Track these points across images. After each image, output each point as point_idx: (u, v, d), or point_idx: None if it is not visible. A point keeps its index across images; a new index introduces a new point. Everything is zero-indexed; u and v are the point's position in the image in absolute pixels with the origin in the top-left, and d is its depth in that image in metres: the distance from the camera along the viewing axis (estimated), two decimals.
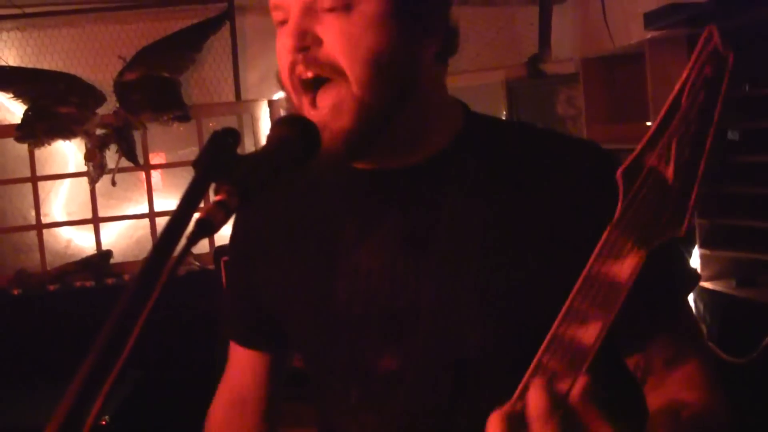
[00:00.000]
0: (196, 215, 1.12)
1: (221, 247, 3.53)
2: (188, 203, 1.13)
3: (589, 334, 1.21)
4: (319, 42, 1.47)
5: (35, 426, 3.61)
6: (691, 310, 1.65)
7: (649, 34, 3.47)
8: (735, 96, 3.03)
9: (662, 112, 1.13)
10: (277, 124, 1.37)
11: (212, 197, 1.18)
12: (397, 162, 1.60)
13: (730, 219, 3.13)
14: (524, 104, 5.00)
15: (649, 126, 3.29)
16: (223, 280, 3.46)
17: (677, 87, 1.11)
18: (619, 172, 1.21)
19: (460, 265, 1.53)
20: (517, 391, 1.26)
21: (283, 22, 1.53)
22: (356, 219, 1.63)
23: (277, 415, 1.96)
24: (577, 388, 1.20)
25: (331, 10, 1.46)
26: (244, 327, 1.89)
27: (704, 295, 3.22)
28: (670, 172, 1.12)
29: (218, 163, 1.19)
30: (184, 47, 5.11)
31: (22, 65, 5.17)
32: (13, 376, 4.60)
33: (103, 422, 3.64)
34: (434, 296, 1.55)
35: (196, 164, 1.18)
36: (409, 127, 1.56)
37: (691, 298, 3.19)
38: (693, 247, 3.21)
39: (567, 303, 1.24)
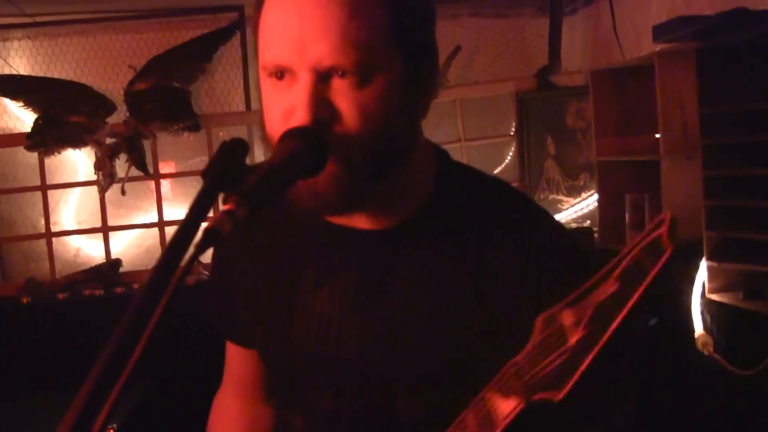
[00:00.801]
0: (205, 224, 1.13)
1: None
2: (197, 213, 1.14)
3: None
4: (337, 116, 1.40)
5: None
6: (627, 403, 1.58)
7: (658, 47, 3.47)
8: (739, 110, 3.03)
9: (595, 277, 1.14)
10: (285, 136, 1.37)
11: (221, 207, 1.18)
12: (367, 224, 1.59)
13: (737, 232, 3.13)
14: (534, 116, 5.01)
15: (657, 138, 3.28)
16: None
17: (615, 259, 1.11)
18: (539, 318, 1.20)
19: (402, 327, 1.56)
20: None
21: (279, 75, 1.44)
22: (318, 264, 1.65)
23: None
24: None
25: (345, 75, 1.38)
26: (233, 327, 1.91)
27: (711, 307, 3.22)
28: (574, 337, 1.12)
29: (227, 173, 1.20)
30: (195, 57, 5.12)
31: (33, 74, 5.20)
32: (22, 384, 4.60)
33: (111, 430, 3.64)
34: (370, 352, 1.58)
35: (205, 174, 1.20)
36: (392, 192, 1.55)
37: (698, 309, 3.20)
38: (701, 259, 3.21)
39: (461, 415, 1.32)
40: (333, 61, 1.36)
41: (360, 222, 1.59)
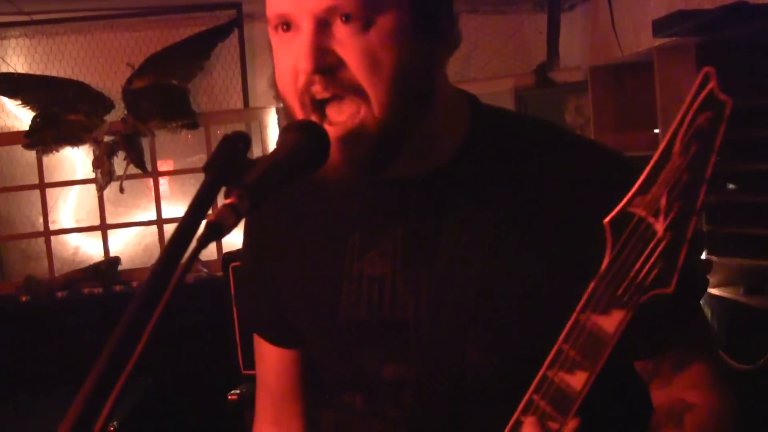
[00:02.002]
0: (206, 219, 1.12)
1: (229, 253, 3.53)
2: (198, 206, 1.13)
3: (576, 381, 1.22)
4: (341, 63, 1.37)
5: None
6: (702, 313, 1.61)
7: (657, 42, 3.46)
8: (740, 105, 3.03)
9: (653, 160, 1.08)
10: (287, 129, 1.36)
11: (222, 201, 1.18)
12: (404, 172, 1.54)
13: (737, 227, 3.13)
14: (533, 112, 4.99)
15: (657, 134, 3.27)
16: (232, 286, 3.46)
17: (669, 133, 1.06)
18: (606, 221, 1.16)
19: (459, 277, 1.51)
20: (508, 427, 1.30)
21: (284, 27, 1.41)
22: (361, 228, 1.61)
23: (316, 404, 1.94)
24: (567, 429, 1.22)
25: (347, 20, 1.35)
26: (268, 325, 1.85)
27: (712, 302, 3.21)
28: (659, 225, 1.07)
29: (229, 166, 1.19)
30: (193, 55, 5.13)
31: (31, 72, 5.20)
32: (21, 383, 4.60)
33: (111, 428, 3.64)
34: (431, 309, 1.53)
35: (206, 168, 1.18)
36: (420, 137, 1.49)
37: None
38: (701, 254, 3.21)
39: (555, 347, 1.24)
40: (331, 1, 1.34)
41: (396, 172, 1.51)
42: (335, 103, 1.40)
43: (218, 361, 3.89)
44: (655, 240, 1.09)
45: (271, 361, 1.88)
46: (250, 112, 5.26)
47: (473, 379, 1.51)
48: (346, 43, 1.36)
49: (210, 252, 4.36)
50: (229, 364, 3.58)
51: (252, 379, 3.43)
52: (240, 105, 5.33)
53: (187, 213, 1.12)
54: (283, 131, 1.37)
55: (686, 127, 1.02)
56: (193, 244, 1.09)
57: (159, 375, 4.13)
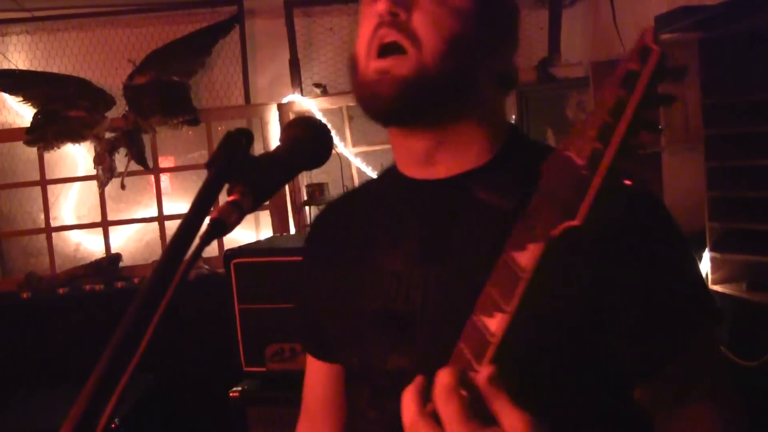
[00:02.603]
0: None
1: (231, 250, 3.52)
2: (202, 203, 1.13)
3: (494, 324, 1.17)
4: (410, 11, 1.52)
5: (46, 428, 3.61)
6: (713, 344, 1.59)
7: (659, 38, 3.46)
8: (742, 100, 3.02)
9: (593, 108, 1.10)
10: (290, 125, 1.37)
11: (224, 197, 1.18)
12: (436, 172, 1.62)
13: (740, 223, 3.12)
14: (534, 108, 4.99)
15: (661, 129, 3.28)
16: (234, 283, 3.46)
17: (607, 83, 1.07)
18: (542, 167, 1.16)
19: (464, 276, 1.51)
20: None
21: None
22: (391, 224, 1.66)
23: None
24: (481, 375, 1.16)
25: None
26: (313, 339, 1.88)
27: (715, 298, 3.21)
28: (581, 161, 1.08)
29: (232, 163, 1.18)
30: (194, 51, 5.12)
31: (32, 69, 5.19)
32: (23, 379, 4.60)
33: (113, 426, 3.64)
34: (440, 303, 1.55)
35: (210, 165, 1.18)
36: (456, 140, 1.59)
37: None
38: (703, 250, 3.21)
39: (483, 291, 1.22)
40: None
41: (431, 172, 1.63)
42: (395, 55, 1.53)
43: (220, 358, 3.89)
44: (571, 176, 1.08)
45: (312, 374, 1.94)
46: (251, 108, 5.25)
47: None
48: (420, 3, 1.53)
49: (211, 249, 4.36)
50: (230, 361, 3.58)
51: (253, 376, 3.46)
52: (241, 101, 5.33)
53: (190, 210, 1.12)
54: (286, 128, 1.37)
55: (618, 74, 1.03)
56: (197, 241, 1.09)
57: (160, 372, 4.11)
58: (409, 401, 1.22)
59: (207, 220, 1.12)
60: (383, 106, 1.54)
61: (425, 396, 1.21)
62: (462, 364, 1.21)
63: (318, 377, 1.92)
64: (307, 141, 1.33)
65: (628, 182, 1.05)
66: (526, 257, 1.15)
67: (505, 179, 1.55)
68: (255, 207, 1.18)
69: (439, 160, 1.61)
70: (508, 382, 1.17)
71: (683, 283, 1.53)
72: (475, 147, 1.61)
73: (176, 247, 1.07)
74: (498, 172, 1.59)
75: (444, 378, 1.18)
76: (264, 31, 5.30)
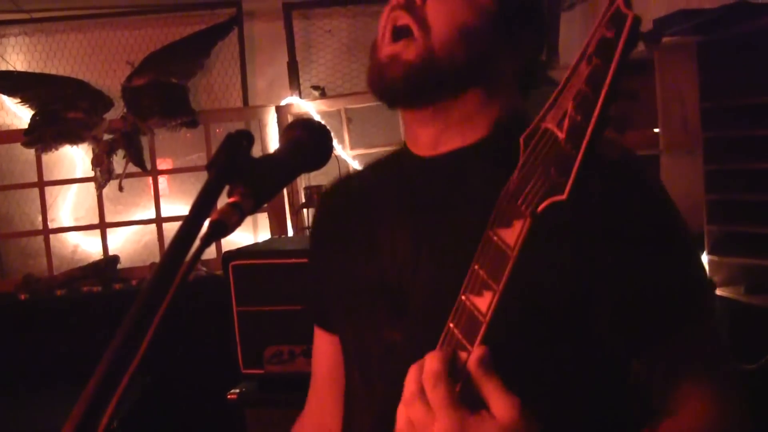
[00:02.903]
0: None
1: (230, 252, 3.51)
2: (202, 205, 1.13)
3: (483, 303, 1.16)
4: (424, 1, 1.57)
5: (44, 430, 3.60)
6: (709, 321, 1.55)
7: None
8: (741, 104, 3.03)
9: (566, 74, 1.09)
10: (290, 127, 1.37)
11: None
12: (436, 149, 1.64)
13: (738, 225, 3.12)
14: (532, 111, 4.97)
15: (657, 133, 3.27)
16: (232, 285, 3.46)
17: (581, 49, 1.06)
18: (521, 138, 1.14)
19: (459, 253, 1.51)
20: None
21: None
22: (391, 200, 1.69)
23: None
24: (471, 358, 1.16)
25: None
26: (317, 308, 1.91)
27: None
28: (562, 134, 1.06)
29: (233, 165, 1.19)
30: (193, 53, 5.12)
31: (30, 70, 5.20)
32: (20, 380, 4.59)
33: (112, 426, 3.64)
34: (430, 280, 1.56)
35: (210, 166, 1.18)
36: (462, 126, 1.61)
37: None
38: (702, 253, 3.21)
39: (470, 269, 1.21)
40: None
41: (425, 149, 1.65)
42: (407, 39, 1.57)
43: (218, 360, 3.88)
44: (554, 150, 1.07)
45: (318, 345, 1.95)
46: (249, 110, 5.25)
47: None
48: None
49: (209, 251, 4.34)
50: (229, 363, 3.57)
51: (251, 378, 3.46)
52: (239, 103, 5.33)
53: (191, 211, 1.12)
54: (286, 129, 1.38)
55: (592, 42, 1.02)
56: (197, 242, 1.09)
57: (158, 374, 4.12)
58: (411, 378, 1.21)
59: (207, 222, 1.12)
60: (388, 87, 1.59)
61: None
62: (452, 344, 1.21)
63: (323, 348, 1.93)
64: (308, 143, 1.34)
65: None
66: (512, 234, 1.13)
67: (495, 156, 1.55)
68: (255, 209, 1.18)
69: (444, 142, 1.63)
70: (497, 360, 1.17)
71: (671, 257, 1.51)
72: (478, 132, 1.62)
73: (177, 249, 1.07)
74: (490, 149, 1.60)
75: (432, 363, 1.18)
76: (263, 34, 5.30)
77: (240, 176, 1.19)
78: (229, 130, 1.28)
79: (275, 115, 5.18)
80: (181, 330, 3.92)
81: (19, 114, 5.20)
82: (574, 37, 5.23)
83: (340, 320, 1.80)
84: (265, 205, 4.87)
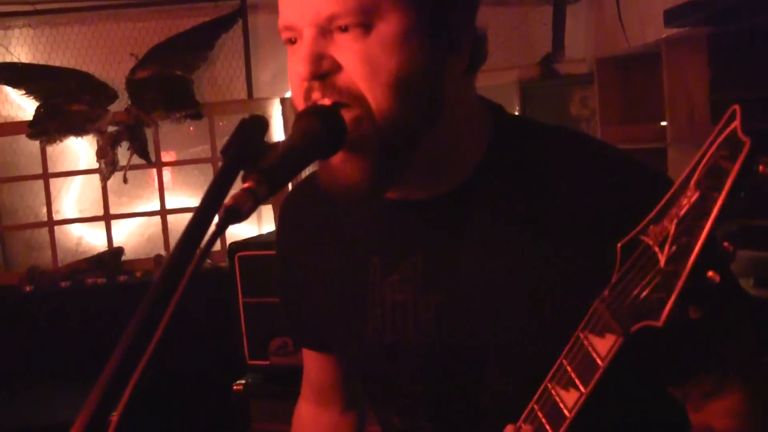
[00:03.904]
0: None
1: (236, 243, 3.51)
2: (217, 191, 1.12)
3: (570, 399, 1.20)
4: (337, 67, 1.37)
5: (49, 422, 3.60)
6: (747, 333, 1.50)
7: (665, 34, 3.45)
8: (751, 96, 3.01)
9: (671, 190, 1.06)
10: (303, 114, 1.35)
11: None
12: (422, 192, 1.53)
13: (748, 219, 3.11)
14: (537, 105, 4.98)
15: (664, 126, 3.26)
16: (238, 276, 3.45)
17: (690, 166, 1.03)
18: (619, 245, 1.13)
19: (479, 301, 1.49)
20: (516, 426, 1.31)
21: (293, 41, 1.43)
22: (382, 251, 1.59)
23: (361, 402, 1.96)
24: None
25: (347, 29, 1.35)
26: (306, 333, 1.87)
27: None
28: (662, 256, 1.05)
29: (247, 150, 1.17)
30: (197, 45, 5.11)
31: (34, 62, 5.19)
32: (25, 372, 4.59)
33: (115, 418, 3.63)
34: (457, 330, 1.52)
35: (224, 152, 1.16)
36: (435, 153, 1.47)
37: None
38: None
39: (558, 360, 1.23)
40: (330, 9, 1.34)
41: (414, 192, 1.52)
42: (342, 111, 1.37)
43: (223, 351, 3.88)
44: (654, 271, 1.06)
45: (311, 359, 1.93)
46: (253, 103, 5.24)
47: (490, 399, 1.51)
48: (345, 49, 1.36)
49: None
50: (234, 354, 3.57)
51: (257, 370, 3.45)
52: (244, 96, 5.32)
53: (205, 197, 1.10)
54: (299, 116, 1.36)
55: (704, 162, 1.00)
56: (212, 229, 1.08)
57: (163, 365, 4.11)
58: None
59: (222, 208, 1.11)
60: (358, 195, 1.43)
61: None
62: (535, 424, 1.27)
63: (318, 363, 1.90)
64: (321, 130, 1.32)
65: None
66: (604, 345, 1.16)
67: (500, 191, 1.50)
68: (270, 195, 1.17)
69: (418, 179, 1.50)
70: None
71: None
72: (457, 154, 1.51)
73: (191, 235, 1.06)
74: (490, 182, 1.50)
75: None
76: (267, 26, 5.29)
77: (254, 162, 1.17)
78: (234, 122, 1.27)
79: (280, 107, 5.17)
80: (186, 322, 3.92)
81: (23, 106, 5.19)
82: (579, 29, 5.22)
83: (360, 379, 1.77)
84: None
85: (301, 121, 1.34)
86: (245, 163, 1.17)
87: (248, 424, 3.49)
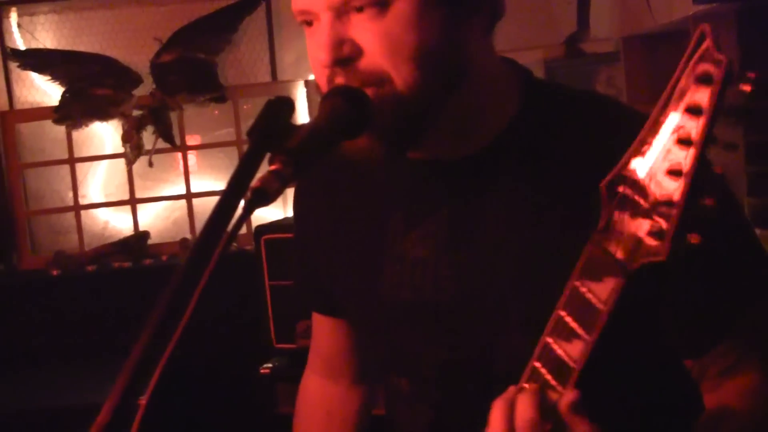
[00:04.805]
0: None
1: (261, 226, 3.51)
2: (243, 173, 1.11)
3: (574, 351, 1.19)
4: (358, 51, 1.37)
5: (77, 404, 3.61)
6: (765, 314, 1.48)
7: (692, 11, 3.41)
8: None
9: (650, 120, 1.04)
10: (329, 94, 1.35)
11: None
12: (449, 153, 1.52)
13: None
14: (559, 79, 4.95)
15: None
16: (264, 259, 3.45)
17: (666, 92, 1.01)
18: (602, 184, 1.12)
19: (499, 261, 1.48)
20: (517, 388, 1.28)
21: (309, 23, 1.44)
22: (404, 209, 1.59)
23: (372, 372, 1.94)
24: (563, 401, 1.19)
25: (362, 9, 1.35)
26: (318, 296, 1.85)
27: None
28: (653, 186, 1.02)
29: (273, 132, 1.16)
30: (220, 28, 5.09)
31: (59, 48, 5.18)
32: (52, 355, 4.62)
33: (142, 401, 3.64)
34: (475, 292, 1.51)
35: (250, 133, 1.16)
36: (461, 115, 1.46)
37: None
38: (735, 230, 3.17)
39: (554, 313, 1.22)
40: None
41: (441, 152, 1.52)
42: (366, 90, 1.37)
43: (249, 334, 3.88)
44: (645, 204, 1.04)
45: (321, 326, 1.90)
46: (278, 85, 5.22)
47: (504, 363, 1.48)
48: (364, 29, 1.36)
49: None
50: (260, 337, 3.57)
51: (283, 353, 3.45)
52: (268, 78, 5.30)
53: (232, 179, 1.10)
54: (326, 96, 1.35)
55: (680, 85, 0.98)
56: (239, 211, 1.08)
57: (188, 349, 4.12)
58: (498, 417, 1.24)
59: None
60: (377, 157, 1.43)
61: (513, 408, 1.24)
62: (539, 383, 1.24)
63: (329, 330, 1.90)
64: (348, 109, 1.31)
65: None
66: (604, 290, 1.14)
67: (527, 152, 1.50)
68: (297, 177, 1.16)
69: (444, 140, 1.50)
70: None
71: (739, 257, 1.44)
72: (483, 115, 1.50)
73: (218, 218, 1.06)
74: (516, 145, 1.49)
75: (527, 410, 1.20)
76: (290, 8, 5.21)
77: (281, 143, 1.16)
78: (258, 105, 1.27)
79: (304, 90, 5.15)
80: (211, 305, 3.93)
81: (48, 92, 5.19)
82: (605, 7, 5.17)
83: (369, 337, 1.76)
84: None
85: (327, 101, 1.33)
86: (272, 144, 1.16)
87: (275, 407, 3.49)
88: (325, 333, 1.91)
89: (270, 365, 3.51)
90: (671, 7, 4.17)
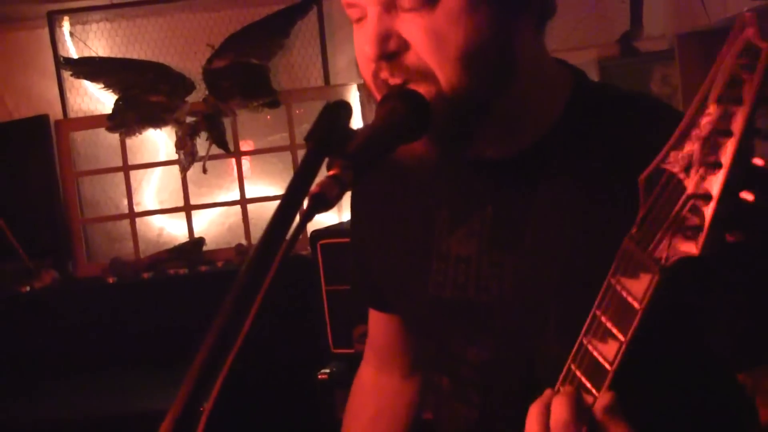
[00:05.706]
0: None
1: (318, 230, 3.51)
2: (302, 178, 1.10)
3: (609, 351, 1.16)
4: (405, 45, 1.36)
5: (137, 410, 3.63)
6: None
7: (747, 7, 3.36)
8: None
9: (688, 113, 1.00)
10: (386, 98, 1.34)
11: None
12: (495, 152, 1.51)
13: None
14: (617, 83, 4.89)
15: None
16: (321, 264, 3.45)
17: (705, 85, 0.97)
18: (641, 179, 1.10)
19: (543, 262, 1.47)
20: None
21: (359, 20, 1.44)
22: (450, 207, 1.59)
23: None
24: (599, 404, 1.18)
25: (412, 9, 1.34)
26: (372, 292, 1.87)
27: None
28: (689, 182, 0.99)
29: (331, 136, 1.16)
30: (272, 33, 5.10)
31: (112, 56, 5.22)
32: (110, 361, 4.65)
33: (204, 408, 3.65)
34: (519, 293, 1.50)
35: (308, 138, 1.15)
36: (509, 116, 1.46)
37: None
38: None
39: (591, 313, 1.20)
40: None
41: (487, 151, 1.51)
42: (411, 85, 1.37)
43: (307, 340, 3.88)
44: (683, 198, 1.01)
45: (376, 321, 1.94)
46: (331, 89, 5.22)
47: (545, 368, 1.46)
48: (411, 24, 1.35)
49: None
50: (318, 343, 3.57)
51: (341, 358, 3.45)
52: (320, 83, 5.30)
53: (291, 186, 1.09)
54: (383, 100, 1.34)
55: (721, 75, 0.95)
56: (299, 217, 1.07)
57: (247, 355, 4.13)
58: (535, 420, 1.24)
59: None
60: (428, 161, 1.42)
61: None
62: (574, 385, 1.23)
63: (382, 325, 1.93)
64: (405, 112, 1.30)
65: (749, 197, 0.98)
66: (639, 287, 1.11)
67: (574, 153, 1.48)
68: (356, 182, 1.15)
69: (491, 139, 1.49)
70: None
71: None
72: (531, 114, 1.49)
73: (278, 224, 1.05)
74: (564, 145, 1.47)
75: (562, 413, 1.20)
76: (342, 11, 5.17)
77: (339, 148, 1.16)
78: (311, 109, 1.27)
79: (357, 93, 5.15)
80: (270, 311, 3.94)
81: (102, 99, 5.23)
82: (658, 5, 5.13)
83: (415, 332, 1.78)
84: None
85: (385, 105, 1.32)
86: (330, 149, 1.15)
87: (333, 412, 3.49)
88: (379, 327, 1.94)
89: (327, 371, 3.50)
90: (726, 2, 4.13)
